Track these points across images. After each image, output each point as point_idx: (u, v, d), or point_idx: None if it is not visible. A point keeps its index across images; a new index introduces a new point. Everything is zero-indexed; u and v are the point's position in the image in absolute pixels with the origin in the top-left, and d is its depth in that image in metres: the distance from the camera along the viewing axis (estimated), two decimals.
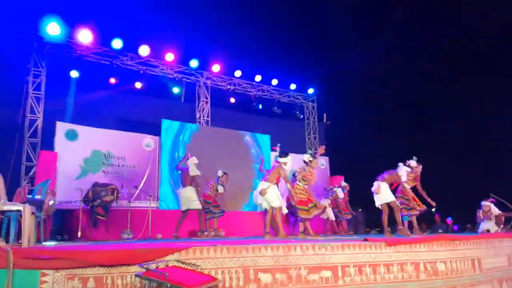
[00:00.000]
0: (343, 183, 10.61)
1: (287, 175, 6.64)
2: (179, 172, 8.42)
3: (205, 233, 8.01)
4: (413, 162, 7.28)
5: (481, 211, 8.83)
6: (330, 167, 13.57)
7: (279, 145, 6.73)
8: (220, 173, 8.65)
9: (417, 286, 4.38)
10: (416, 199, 7.17)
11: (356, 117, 16.13)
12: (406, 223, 7.46)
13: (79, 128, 9.23)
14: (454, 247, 4.85)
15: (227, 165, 9.47)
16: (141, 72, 11.07)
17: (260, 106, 13.36)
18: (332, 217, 10.09)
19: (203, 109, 12.10)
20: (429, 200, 7.10)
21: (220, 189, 8.50)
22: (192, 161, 7.93)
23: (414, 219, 7.22)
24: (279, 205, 6.30)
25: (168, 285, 3.08)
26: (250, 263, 3.75)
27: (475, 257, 5.06)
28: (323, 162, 13.62)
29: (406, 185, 7.07)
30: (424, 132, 16.04)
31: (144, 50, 10.70)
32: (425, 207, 7.16)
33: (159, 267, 3.38)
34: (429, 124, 16.40)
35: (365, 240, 4.44)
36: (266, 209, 6.49)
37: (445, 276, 4.60)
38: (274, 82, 13.31)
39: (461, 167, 14.86)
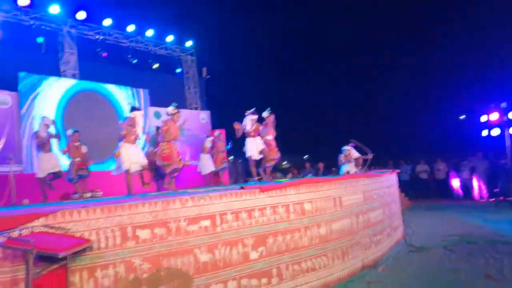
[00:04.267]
0: (216, 133, 10.59)
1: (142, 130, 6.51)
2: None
3: (76, 195, 7.50)
4: (265, 113, 8.02)
5: (342, 155, 9.88)
6: (211, 121, 13.70)
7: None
8: (69, 132, 7.86)
9: (288, 225, 4.82)
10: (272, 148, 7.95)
11: (235, 70, 16.36)
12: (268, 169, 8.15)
13: None
14: (318, 189, 5.42)
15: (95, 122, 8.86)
16: None
17: (135, 61, 12.62)
18: (206, 171, 9.90)
19: (69, 62, 10.93)
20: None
21: (84, 148, 7.87)
22: (44, 122, 7.26)
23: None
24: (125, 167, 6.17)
25: (34, 252, 2.88)
26: (127, 221, 3.68)
27: (336, 196, 5.73)
28: (204, 116, 13.67)
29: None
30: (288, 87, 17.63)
31: None
32: (279, 155, 8.02)
33: (23, 234, 3.11)
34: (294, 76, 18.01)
35: (242, 188, 4.67)
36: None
37: (311, 214, 5.15)
38: (149, 33, 12.61)
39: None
